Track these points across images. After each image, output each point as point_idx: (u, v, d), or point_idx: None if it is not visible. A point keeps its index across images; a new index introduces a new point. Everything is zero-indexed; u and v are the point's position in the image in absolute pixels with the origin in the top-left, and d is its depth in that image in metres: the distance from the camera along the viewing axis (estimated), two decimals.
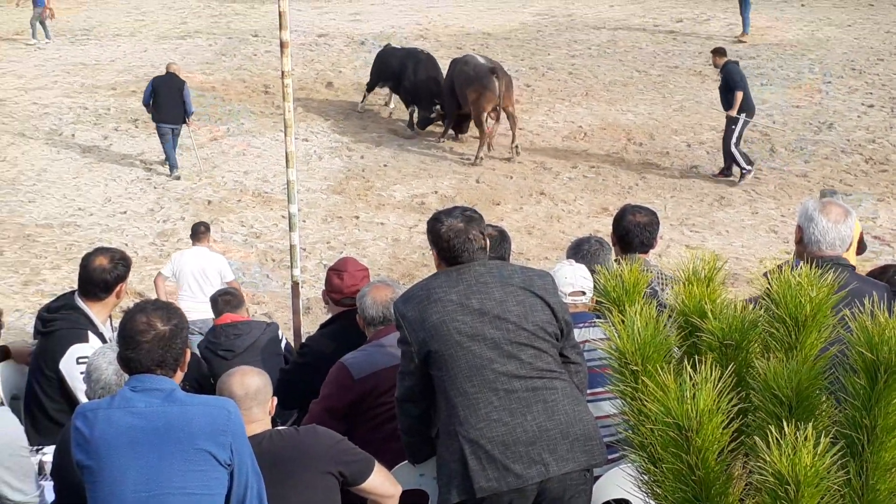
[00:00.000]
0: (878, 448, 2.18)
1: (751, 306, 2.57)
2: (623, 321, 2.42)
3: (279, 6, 7.15)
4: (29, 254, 13.60)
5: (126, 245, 13.34)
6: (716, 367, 2.20)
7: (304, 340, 6.67)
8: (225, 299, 7.59)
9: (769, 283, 2.45)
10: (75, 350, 5.23)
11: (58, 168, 16.80)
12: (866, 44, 23.65)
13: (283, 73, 7.34)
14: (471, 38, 25.27)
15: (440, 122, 18.10)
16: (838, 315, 2.40)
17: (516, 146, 16.83)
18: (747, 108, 15.47)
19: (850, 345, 2.22)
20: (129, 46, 24.69)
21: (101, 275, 5.40)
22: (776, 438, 2.05)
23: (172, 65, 17.52)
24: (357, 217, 14.83)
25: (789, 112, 18.95)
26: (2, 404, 5.19)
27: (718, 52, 16.30)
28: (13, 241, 14.00)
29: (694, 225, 14.28)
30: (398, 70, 18.34)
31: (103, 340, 5.31)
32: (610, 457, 4.39)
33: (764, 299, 2.47)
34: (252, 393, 4.20)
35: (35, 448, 4.84)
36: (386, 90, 19.37)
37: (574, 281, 4.99)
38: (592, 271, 4.83)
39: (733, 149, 15.42)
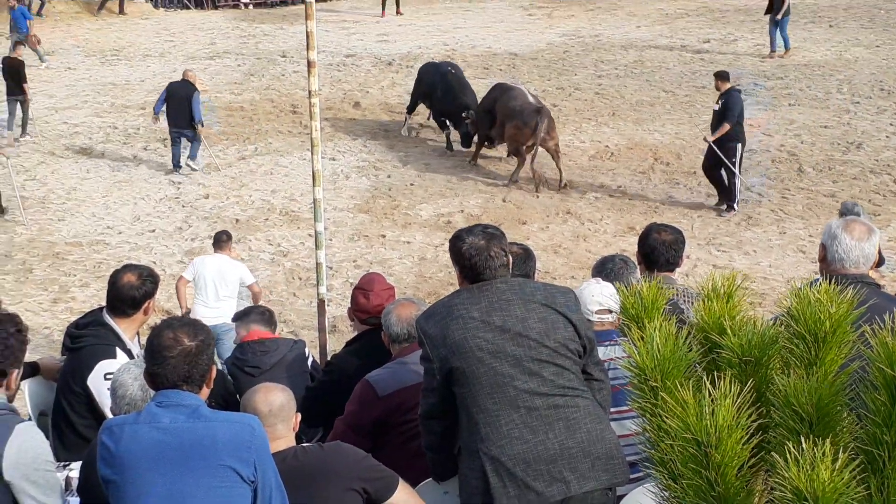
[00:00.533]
0: None
1: (771, 323, 2.57)
2: (642, 338, 2.42)
3: (307, 27, 7.21)
4: (58, 272, 13.71)
5: (154, 263, 13.41)
6: (735, 383, 2.21)
7: (329, 358, 6.70)
8: (259, 311, 7.60)
9: (789, 300, 2.46)
10: (103, 366, 5.27)
11: (87, 187, 16.94)
12: (895, 64, 23.54)
13: (310, 92, 7.39)
14: (497, 58, 25.35)
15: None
16: (858, 331, 2.40)
17: (566, 184, 16.64)
18: (741, 138, 15.13)
19: (870, 361, 2.22)
20: (158, 67, 24.91)
21: (130, 291, 5.44)
22: (795, 455, 2.06)
23: (189, 72, 17.92)
24: (383, 236, 14.87)
25: (817, 132, 18.87)
26: (29, 419, 5.23)
27: (722, 76, 15.75)
28: (43, 258, 14.12)
29: (721, 244, 14.23)
30: (429, 87, 18.54)
31: (131, 357, 5.34)
32: (633, 475, 4.37)
33: (784, 316, 2.47)
34: (276, 410, 4.22)
35: (62, 464, 4.87)
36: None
37: (601, 299, 4.99)
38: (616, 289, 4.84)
39: (737, 179, 15.10)
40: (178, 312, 11.04)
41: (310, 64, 7.31)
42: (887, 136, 18.50)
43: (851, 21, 28.95)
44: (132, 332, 5.58)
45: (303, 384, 6.39)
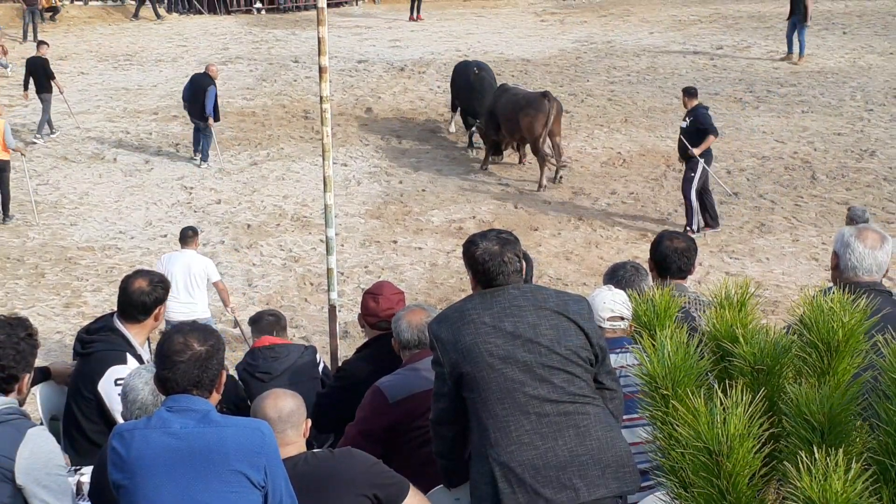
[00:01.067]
0: None
1: (783, 331, 2.56)
2: (654, 345, 2.41)
3: (319, 32, 7.22)
4: (70, 276, 13.75)
5: None
6: (747, 391, 2.20)
7: (340, 364, 6.70)
8: (266, 321, 7.60)
9: (802, 309, 2.44)
10: (114, 372, 5.27)
11: (100, 191, 17.00)
12: None
13: (321, 98, 7.41)
14: (510, 64, 25.35)
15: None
16: (871, 340, 2.39)
17: (560, 177, 16.90)
18: (707, 155, 14.88)
19: (882, 371, 2.21)
20: (171, 72, 24.97)
21: (140, 297, 5.44)
22: (807, 464, 2.04)
23: (211, 66, 18.94)
24: (395, 242, 14.88)
25: (831, 139, 18.83)
26: (40, 424, 5.23)
27: (689, 92, 15.52)
28: (55, 263, 14.17)
29: (734, 252, 14.20)
30: (456, 86, 18.92)
31: (141, 362, 5.34)
32: (644, 484, 4.35)
33: (797, 325, 2.46)
34: (285, 415, 4.22)
35: (73, 468, 4.88)
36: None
37: (613, 306, 4.96)
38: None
39: (693, 198, 14.74)
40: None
41: (321, 69, 7.33)
42: None
43: (865, 28, 28.87)
44: (143, 337, 5.58)
45: (314, 390, 6.39)
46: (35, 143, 19.26)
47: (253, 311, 11.74)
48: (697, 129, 14.79)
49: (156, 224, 15.62)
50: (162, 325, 6.59)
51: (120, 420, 5.03)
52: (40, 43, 21.49)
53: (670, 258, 5.79)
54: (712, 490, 2.16)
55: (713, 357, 2.56)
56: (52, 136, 19.82)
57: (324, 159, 7.43)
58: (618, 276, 5.59)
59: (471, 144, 18.76)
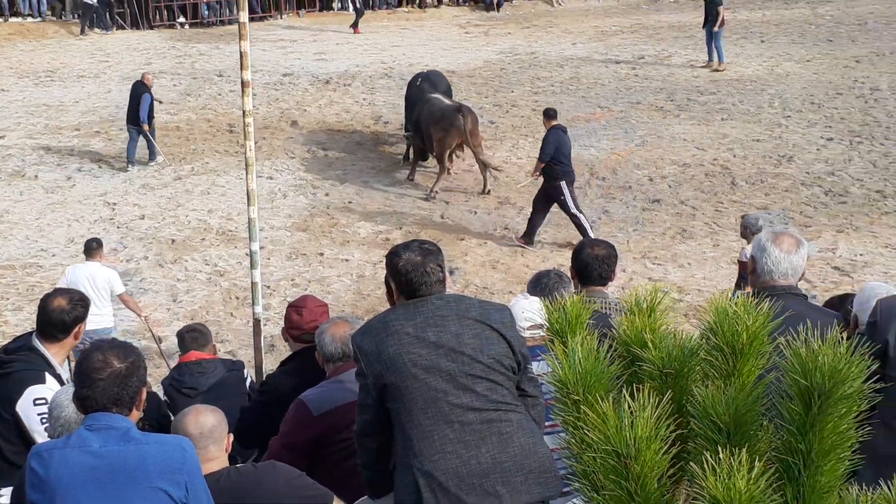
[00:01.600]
0: (813, 472, 2.23)
1: (692, 336, 2.62)
2: (565, 352, 2.46)
3: (241, 47, 7.22)
4: None
5: None
6: (654, 394, 2.25)
7: (264, 378, 6.68)
8: (192, 336, 7.55)
9: (707, 314, 2.51)
10: (32, 391, 5.19)
11: (20, 209, 16.73)
12: (825, 78, 23.98)
13: (244, 112, 7.40)
14: None
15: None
16: (775, 342, 2.45)
17: (489, 190, 17.06)
18: (563, 174, 14.75)
19: (785, 371, 2.27)
20: (93, 87, 24.67)
21: (60, 315, 5.37)
22: (712, 464, 2.10)
23: (147, 74, 19.59)
24: (321, 254, 14.85)
25: (750, 146, 19.16)
26: None
27: (547, 114, 15.50)
28: None
29: (656, 258, 14.39)
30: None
31: (61, 382, 5.28)
32: (566, 489, 4.40)
33: (703, 329, 2.52)
34: (207, 431, 4.21)
35: None
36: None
37: (530, 315, 5.01)
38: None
39: (578, 214, 14.75)
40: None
41: (244, 84, 7.33)
42: (818, 149, 18.83)
43: (783, 36, 29.45)
44: (62, 356, 5.51)
45: (241, 405, 6.36)
46: None
47: (178, 326, 11.64)
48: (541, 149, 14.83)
49: (78, 241, 15.36)
50: None
51: (39, 440, 4.98)
52: None
53: (591, 265, 5.86)
54: (622, 492, 2.20)
55: (623, 362, 2.61)
56: None
57: (247, 173, 7.42)
58: (541, 283, 5.65)
59: (406, 157, 18.74)
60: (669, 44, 28.88)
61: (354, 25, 32.73)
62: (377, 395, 4.21)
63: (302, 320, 5.94)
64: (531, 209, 15.16)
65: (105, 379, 3.66)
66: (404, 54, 28.43)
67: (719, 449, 2.14)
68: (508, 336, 4.29)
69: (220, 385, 6.84)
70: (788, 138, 19.57)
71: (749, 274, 4.89)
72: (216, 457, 4.23)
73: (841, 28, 30.26)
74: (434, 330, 4.20)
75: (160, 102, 20.81)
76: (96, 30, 31.86)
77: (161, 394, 6.95)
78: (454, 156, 17.26)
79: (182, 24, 33.80)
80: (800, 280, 4.78)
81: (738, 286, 10.95)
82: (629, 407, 2.22)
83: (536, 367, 4.70)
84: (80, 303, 5.49)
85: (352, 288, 13.67)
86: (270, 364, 8.94)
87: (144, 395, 3.84)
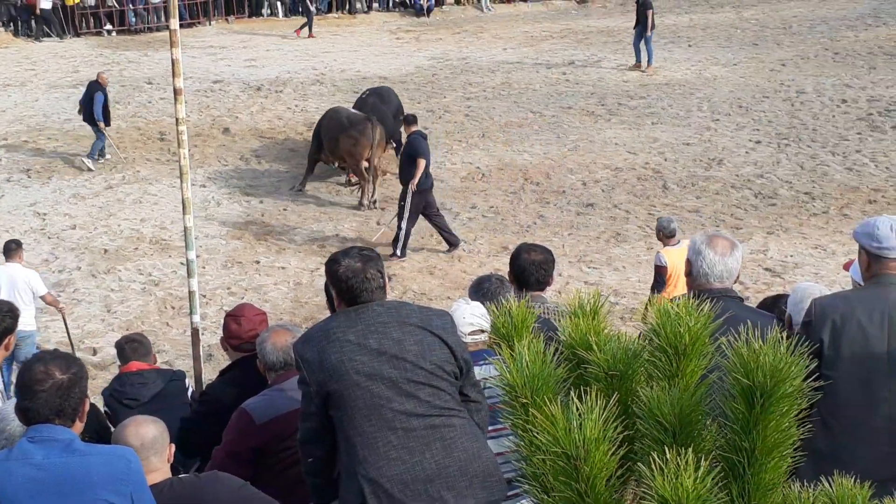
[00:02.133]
0: (757, 469, 2.28)
1: (635, 338, 2.67)
2: (512, 355, 2.49)
3: (172, 54, 7.15)
4: None
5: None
6: (601, 396, 2.28)
7: (204, 388, 6.63)
8: (132, 347, 7.45)
9: (648, 315, 2.55)
10: None
11: None
12: (752, 82, 24.38)
13: (177, 119, 7.34)
14: (367, 81, 25.38)
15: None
16: (716, 343, 2.50)
17: (374, 200, 16.89)
18: (423, 180, 14.67)
19: (727, 371, 2.32)
20: (19, 96, 24.29)
21: None
22: (659, 465, 2.14)
23: (101, 74, 20.23)
24: (258, 262, 14.78)
25: (680, 149, 19.41)
26: None
27: (408, 120, 15.39)
28: None
29: (592, 261, 14.52)
30: None
31: None
32: (511, 493, 4.43)
33: (647, 331, 2.56)
34: (148, 443, 4.18)
35: None
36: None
37: (472, 320, 5.03)
38: None
39: (405, 225, 14.67)
40: (43, 345, 10.86)
41: (176, 91, 7.26)
42: (746, 152, 19.13)
43: (710, 41, 29.87)
44: None
45: (183, 415, 6.31)
46: None
47: (113, 337, 11.54)
48: (410, 155, 14.76)
49: None
50: None
51: None
52: None
53: (528, 270, 5.91)
54: (572, 493, 2.24)
55: (569, 365, 2.65)
56: None
57: (182, 181, 7.34)
58: (483, 288, 5.66)
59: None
60: (599, 48, 29.16)
61: (309, 28, 32.56)
62: (320, 403, 4.22)
63: (241, 329, 5.91)
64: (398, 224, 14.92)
65: (47, 390, 3.63)
66: (335, 60, 28.37)
67: (666, 449, 2.18)
68: (450, 342, 4.31)
69: (162, 395, 6.77)
70: (718, 141, 19.86)
71: (685, 276, 4.96)
72: (158, 468, 4.20)
73: (766, 32, 30.78)
74: (376, 337, 4.21)
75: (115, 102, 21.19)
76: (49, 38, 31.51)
77: (101, 405, 6.86)
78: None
79: (109, 32, 33.37)
80: (735, 282, 4.86)
81: (653, 290, 10.99)
82: (577, 409, 2.26)
83: (479, 372, 4.73)
84: (8, 314, 5.41)
85: (289, 296, 13.61)
86: (209, 374, 8.87)
87: (87, 407, 3.81)
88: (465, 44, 31.02)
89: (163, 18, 33.53)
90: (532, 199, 17.07)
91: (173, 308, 13.20)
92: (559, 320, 5.49)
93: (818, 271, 13.65)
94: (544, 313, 5.46)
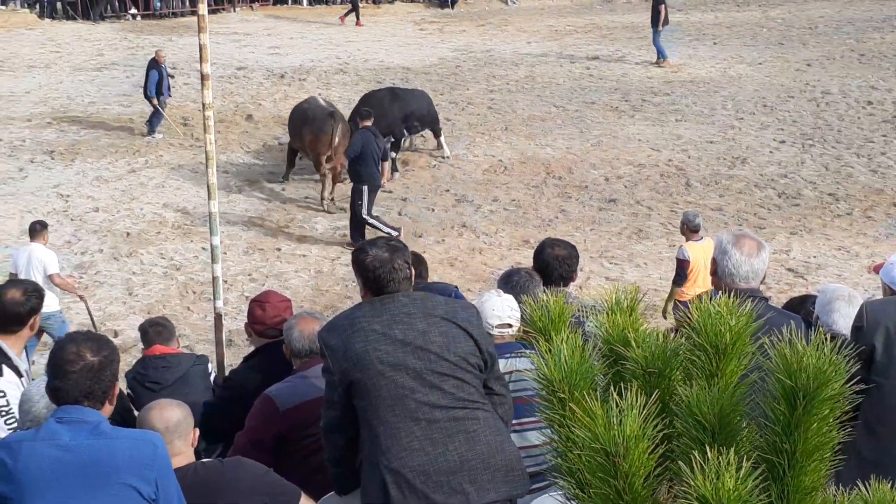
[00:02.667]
0: (798, 472, 2.25)
1: (672, 335, 2.64)
2: (550, 350, 2.47)
3: (199, 39, 7.15)
4: None
5: None
6: (641, 394, 2.26)
7: (227, 373, 6.64)
8: (156, 330, 7.45)
9: (689, 313, 2.52)
10: None
11: None
12: (777, 81, 24.27)
13: (203, 105, 7.34)
14: (390, 72, 25.41)
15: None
16: (757, 343, 2.48)
17: (332, 199, 16.58)
18: (368, 177, 14.63)
19: (769, 372, 2.30)
20: (44, 78, 24.37)
21: (15, 308, 5.31)
22: (700, 463, 2.12)
23: (159, 52, 20.72)
24: (279, 249, 14.78)
25: (703, 147, 19.33)
26: None
27: (361, 114, 15.31)
28: None
29: (613, 257, 14.47)
30: None
31: (18, 374, 5.24)
32: (533, 486, 4.42)
33: (685, 328, 2.54)
34: (172, 426, 4.18)
35: None
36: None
37: (501, 313, 5.01)
38: (520, 302, 4.88)
39: (368, 219, 14.62)
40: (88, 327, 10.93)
41: (203, 77, 7.26)
42: (770, 152, 19.04)
43: (735, 39, 29.75)
44: (19, 348, 5.45)
45: (205, 401, 6.32)
46: None
47: (134, 320, 11.58)
48: (351, 151, 14.73)
49: None
50: None
51: None
52: None
53: (552, 265, 5.89)
54: (609, 490, 2.21)
55: (606, 361, 2.63)
56: None
57: (207, 167, 7.35)
58: (512, 281, 5.63)
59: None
60: (623, 44, 29.08)
61: (356, 15, 32.65)
62: (344, 392, 4.21)
63: (265, 315, 5.92)
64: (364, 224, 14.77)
65: (78, 372, 3.63)
66: (359, 50, 28.37)
67: (706, 448, 2.16)
68: (475, 334, 4.30)
69: (185, 379, 6.78)
70: (742, 140, 19.77)
71: (711, 275, 4.92)
72: (182, 451, 4.21)
73: (792, 31, 30.64)
74: (401, 327, 4.21)
75: (172, 77, 21.29)
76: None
77: (123, 387, 6.88)
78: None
79: (133, 16, 33.45)
80: (761, 283, 4.81)
81: (674, 283, 11.01)
82: (617, 405, 2.24)
83: (506, 364, 4.72)
84: (34, 293, 5.42)
85: (310, 283, 13.61)
86: (229, 359, 8.89)
87: (117, 390, 3.81)
88: (489, 36, 30.98)
89: (187, 4, 33.61)
90: (554, 194, 17.03)
91: (194, 293, 13.22)
92: (587, 316, 5.49)
93: (841, 273, 13.58)
94: (577, 309, 5.43)
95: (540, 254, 6.00)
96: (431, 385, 4.16)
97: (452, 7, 36.42)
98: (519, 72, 25.64)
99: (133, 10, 33.64)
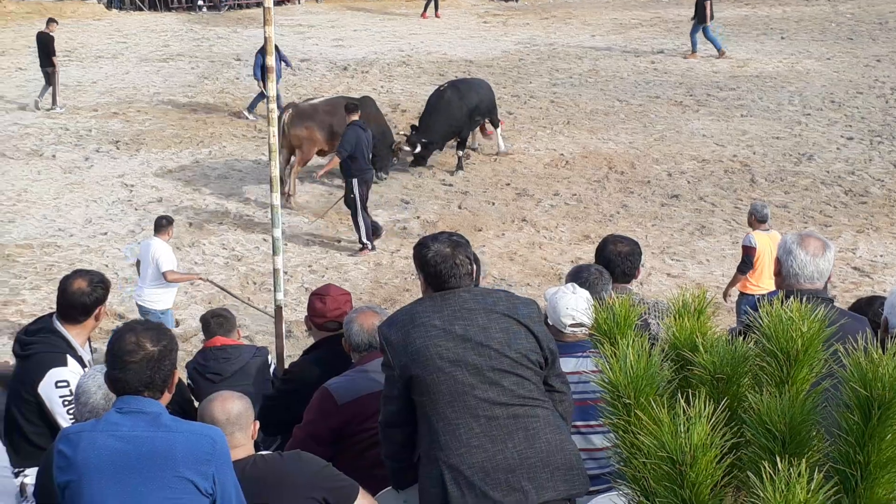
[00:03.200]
0: (871, 484, 2.18)
1: (740, 339, 2.57)
2: (615, 354, 2.41)
3: (265, 32, 7.15)
4: (8, 274, 13.52)
5: (107, 266, 13.29)
6: (709, 401, 2.20)
7: (287, 366, 6.65)
8: (217, 322, 7.50)
9: (758, 317, 2.45)
10: (54, 374, 5.17)
11: (38, 188, 16.74)
12: (845, 77, 23.86)
13: (267, 98, 7.36)
14: (453, 65, 25.38)
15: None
16: (830, 350, 2.41)
17: (288, 195, 16.12)
18: (357, 171, 14.37)
19: (843, 381, 2.23)
20: (111, 68, 24.68)
21: (80, 298, 5.33)
22: (769, 474, 2.05)
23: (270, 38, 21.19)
24: (338, 241, 14.82)
25: (769, 143, 19.06)
26: None
27: (348, 108, 15.02)
28: None
29: (675, 254, 14.32)
30: None
31: (82, 364, 5.27)
32: (593, 488, 4.36)
33: (754, 332, 2.47)
34: (233, 418, 4.17)
35: (16, 470, 4.79)
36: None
37: (574, 313, 4.88)
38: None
39: (359, 219, 14.36)
40: (133, 315, 11.00)
41: (268, 69, 7.27)
42: (838, 149, 18.73)
43: (803, 34, 29.31)
44: (83, 338, 5.48)
45: (265, 393, 6.33)
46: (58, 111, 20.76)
47: (195, 310, 11.67)
48: (341, 146, 14.52)
49: (95, 222, 15.41)
50: (107, 325, 6.49)
51: (62, 423, 4.97)
52: (50, 20, 22.26)
53: (614, 262, 5.81)
54: (675, 499, 2.16)
55: (674, 366, 2.57)
56: (53, 109, 21.03)
57: (270, 159, 7.36)
58: (581, 277, 5.50)
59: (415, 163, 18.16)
60: (688, 38, 28.73)
61: (435, 7, 32.82)
62: (403, 387, 4.20)
63: (325, 308, 5.91)
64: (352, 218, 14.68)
65: (138, 362, 3.63)
66: (422, 42, 28.38)
67: (777, 458, 2.09)
68: (536, 331, 4.26)
69: (244, 371, 6.81)
70: (808, 136, 19.47)
71: (774, 276, 4.81)
72: (242, 444, 4.20)
73: (861, 26, 30.11)
74: (461, 323, 4.18)
75: (286, 63, 21.40)
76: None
77: (184, 377, 6.92)
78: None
79: (201, 8, 33.75)
80: (827, 283, 4.70)
81: (739, 270, 10.96)
82: (684, 412, 2.18)
83: (576, 363, 4.66)
84: (100, 284, 5.44)
85: (369, 276, 13.63)
86: (289, 351, 8.92)
87: (176, 379, 3.81)
88: (552, 29, 30.83)
89: None
90: (616, 189, 16.89)
91: (255, 283, 13.29)
92: (660, 317, 5.41)
93: None
94: (645, 311, 5.36)
95: (602, 250, 5.93)
96: (491, 381, 4.14)
97: (517, 0, 36.28)
98: (582, 65, 25.49)
99: (200, 2, 33.92)
